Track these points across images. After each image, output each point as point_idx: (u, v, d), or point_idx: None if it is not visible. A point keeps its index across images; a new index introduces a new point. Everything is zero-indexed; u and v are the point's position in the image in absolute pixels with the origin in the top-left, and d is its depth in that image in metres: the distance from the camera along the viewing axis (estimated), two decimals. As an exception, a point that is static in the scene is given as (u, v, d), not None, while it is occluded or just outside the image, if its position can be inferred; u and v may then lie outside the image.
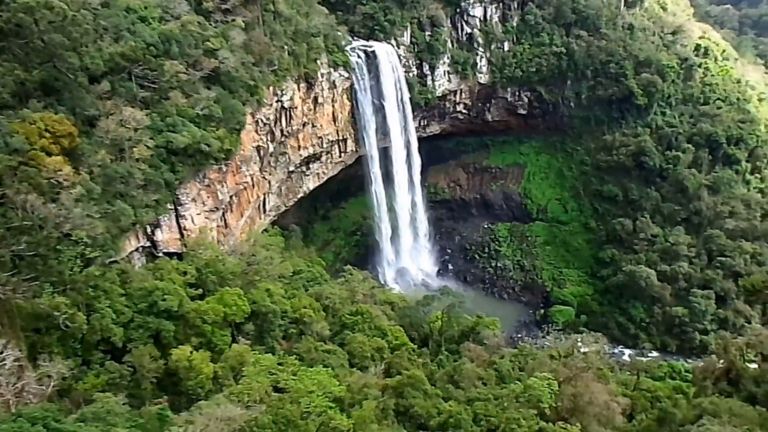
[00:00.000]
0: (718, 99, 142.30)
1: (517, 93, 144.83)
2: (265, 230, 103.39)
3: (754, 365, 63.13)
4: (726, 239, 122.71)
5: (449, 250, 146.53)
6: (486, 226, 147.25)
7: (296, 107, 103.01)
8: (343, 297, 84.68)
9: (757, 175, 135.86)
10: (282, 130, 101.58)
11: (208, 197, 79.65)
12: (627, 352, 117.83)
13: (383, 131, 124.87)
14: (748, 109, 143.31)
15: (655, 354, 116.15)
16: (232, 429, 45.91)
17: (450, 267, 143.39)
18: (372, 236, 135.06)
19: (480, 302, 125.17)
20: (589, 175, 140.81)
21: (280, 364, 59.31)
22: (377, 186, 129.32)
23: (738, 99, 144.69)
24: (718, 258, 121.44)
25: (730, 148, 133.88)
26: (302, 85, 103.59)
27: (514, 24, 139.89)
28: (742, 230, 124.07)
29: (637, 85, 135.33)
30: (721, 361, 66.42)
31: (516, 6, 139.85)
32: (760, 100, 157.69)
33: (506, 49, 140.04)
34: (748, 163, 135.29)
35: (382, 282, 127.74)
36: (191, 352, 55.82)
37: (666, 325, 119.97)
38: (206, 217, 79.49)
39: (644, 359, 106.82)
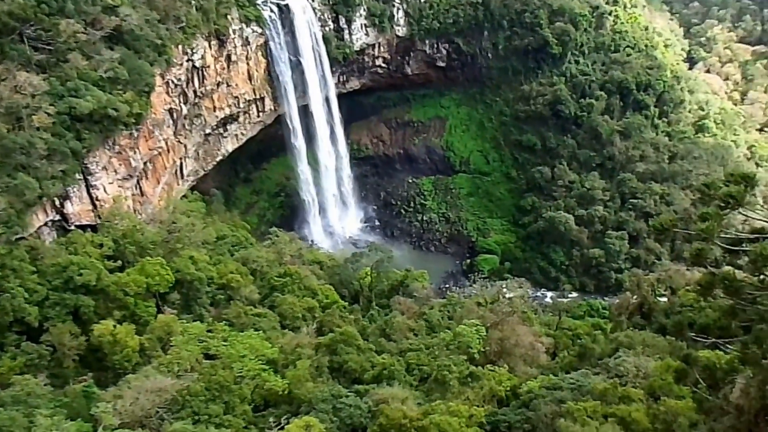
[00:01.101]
0: (628, 46, 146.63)
1: (435, 45, 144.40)
2: (185, 196, 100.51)
3: (664, 299, 66.73)
4: (637, 182, 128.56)
5: (375, 207, 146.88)
6: (410, 181, 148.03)
7: (209, 66, 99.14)
8: (271, 260, 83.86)
9: (665, 119, 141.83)
10: (195, 91, 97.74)
11: (120, 165, 76.21)
12: (549, 294, 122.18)
13: (302, 89, 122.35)
14: (656, 56, 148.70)
15: (574, 295, 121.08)
16: (164, 399, 45.15)
17: (377, 223, 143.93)
18: (296, 196, 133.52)
19: (408, 256, 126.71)
20: (508, 126, 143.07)
21: (209, 331, 58.45)
22: (299, 145, 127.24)
23: (646, 46, 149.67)
24: (630, 200, 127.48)
25: (640, 94, 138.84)
26: (213, 42, 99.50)
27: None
28: (651, 173, 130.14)
29: (552, 34, 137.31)
30: (635, 297, 69.97)
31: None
32: (666, 46, 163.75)
33: (422, 0, 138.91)
34: (656, 108, 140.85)
35: (310, 242, 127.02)
36: (114, 326, 54.09)
37: (584, 267, 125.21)
38: (120, 186, 76.19)
39: (565, 300, 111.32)
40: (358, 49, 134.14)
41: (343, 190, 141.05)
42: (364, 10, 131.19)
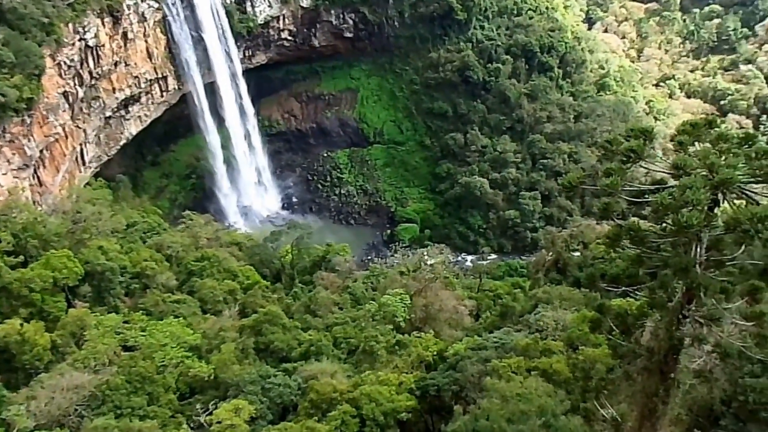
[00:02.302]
0: (530, 9, 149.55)
1: (341, 15, 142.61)
2: (88, 184, 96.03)
3: (577, 253, 69.47)
4: (546, 142, 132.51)
5: (291, 183, 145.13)
6: (326, 155, 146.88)
7: (103, 45, 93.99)
8: (186, 244, 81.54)
9: (568, 80, 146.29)
10: (91, 72, 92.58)
11: (14, 154, 71.79)
12: (469, 258, 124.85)
13: (206, 65, 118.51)
14: (556, 18, 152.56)
15: (494, 256, 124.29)
16: (83, 396, 43.43)
17: (294, 199, 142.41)
18: (209, 177, 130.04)
19: (328, 231, 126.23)
20: (419, 94, 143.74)
21: (126, 322, 56.55)
22: (207, 124, 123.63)
23: (547, 8, 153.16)
24: (541, 161, 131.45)
25: (544, 56, 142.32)
26: (107, 19, 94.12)
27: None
28: (559, 133, 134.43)
29: (456, 0, 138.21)
30: (550, 253, 72.60)
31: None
32: (565, 8, 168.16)
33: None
34: (559, 70, 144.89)
35: (226, 223, 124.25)
36: (21, 325, 51.25)
37: (501, 229, 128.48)
38: (15, 177, 71.92)
39: (485, 262, 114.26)
40: (262, 22, 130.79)
41: (256, 168, 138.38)
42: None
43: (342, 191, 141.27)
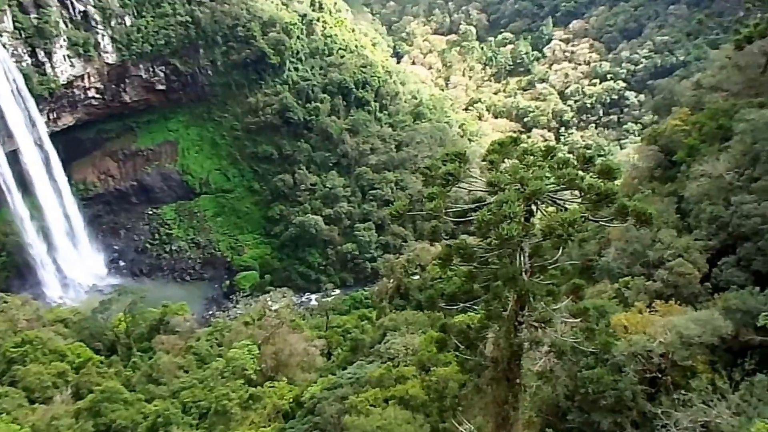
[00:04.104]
0: (340, 48, 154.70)
1: (151, 69, 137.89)
2: None
3: (416, 277, 71.73)
4: (373, 173, 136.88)
5: (117, 247, 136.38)
6: (151, 212, 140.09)
7: None
8: (2, 330, 73.26)
9: (385, 112, 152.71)
10: None
11: None
12: (313, 296, 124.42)
13: (5, 133, 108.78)
14: (366, 55, 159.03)
15: (337, 291, 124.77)
16: None
17: (122, 264, 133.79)
18: (21, 253, 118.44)
19: (163, 291, 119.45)
20: (242, 140, 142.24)
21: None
22: (13, 196, 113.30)
23: (356, 46, 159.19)
24: (370, 191, 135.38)
25: (359, 91, 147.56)
26: None
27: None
28: (383, 163, 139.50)
29: (267, 45, 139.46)
30: (391, 280, 74.32)
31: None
32: (373, 44, 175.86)
33: (129, 24, 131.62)
34: (376, 103, 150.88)
35: (48, 300, 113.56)
36: None
37: (341, 263, 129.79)
38: None
39: (329, 299, 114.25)
40: (65, 82, 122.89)
41: (75, 235, 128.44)
42: (64, 40, 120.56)
43: (173, 248, 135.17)
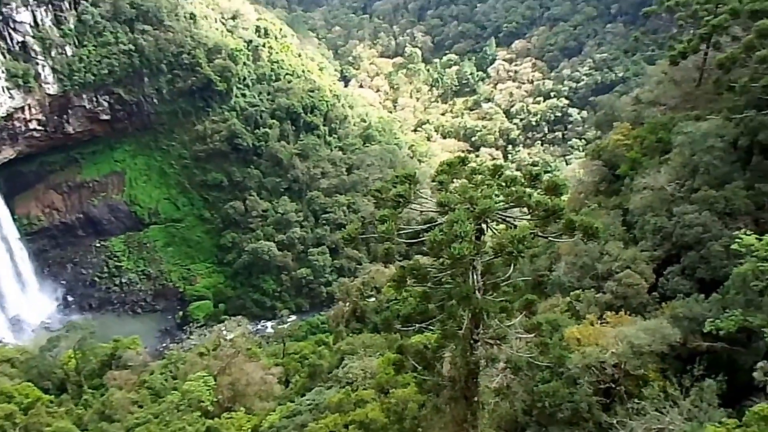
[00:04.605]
0: (287, 74, 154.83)
1: (95, 98, 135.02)
2: None
3: (372, 299, 71.63)
4: (324, 197, 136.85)
5: (64, 282, 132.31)
6: (98, 245, 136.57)
7: None
8: (-57, 373, 70.17)
9: (335, 135, 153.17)
10: None
11: None
12: (269, 324, 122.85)
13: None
14: (314, 79, 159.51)
15: (293, 317, 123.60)
16: None
17: (70, 299, 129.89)
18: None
19: (114, 325, 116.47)
20: (191, 168, 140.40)
21: None
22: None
23: (303, 71, 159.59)
24: (322, 215, 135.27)
25: (308, 116, 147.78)
26: None
27: (72, 26, 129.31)
28: (335, 186, 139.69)
29: (213, 72, 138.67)
30: (347, 304, 74.06)
31: (68, 6, 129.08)
32: (321, 69, 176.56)
33: (70, 54, 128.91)
34: (325, 127, 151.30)
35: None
36: None
37: (296, 289, 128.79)
38: None
39: (285, 325, 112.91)
40: (4, 114, 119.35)
41: (19, 272, 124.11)
42: (3, 71, 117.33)
43: (123, 280, 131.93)
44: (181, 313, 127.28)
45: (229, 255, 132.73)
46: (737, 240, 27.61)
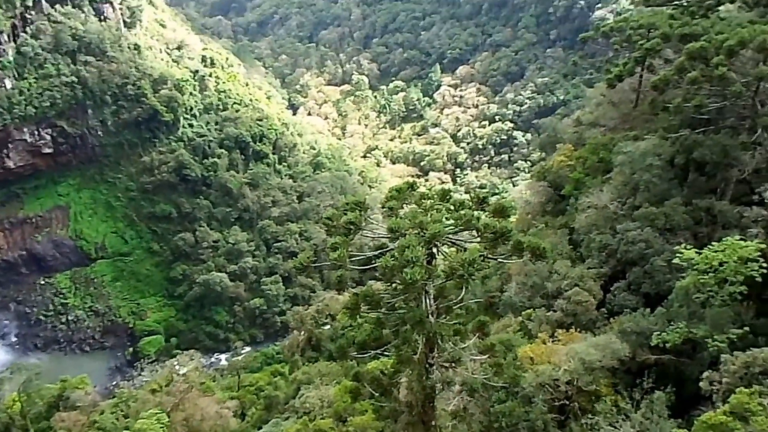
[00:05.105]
0: (235, 103, 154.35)
1: (36, 132, 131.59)
2: None
3: (327, 327, 71.16)
4: (276, 226, 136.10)
5: (6, 321, 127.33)
6: (43, 282, 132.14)
7: None
8: None
9: (285, 164, 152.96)
10: None
11: None
12: (223, 356, 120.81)
13: None
14: (262, 108, 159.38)
15: (248, 349, 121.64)
16: None
17: (14, 339, 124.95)
18: None
19: (61, 364, 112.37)
20: (138, 200, 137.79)
21: None
22: None
23: (251, 100, 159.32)
24: (274, 244, 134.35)
25: (257, 144, 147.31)
26: None
27: (11, 58, 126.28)
28: (286, 215, 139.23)
29: (159, 102, 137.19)
30: (302, 332, 73.37)
31: (7, 39, 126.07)
32: (268, 97, 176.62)
33: (9, 86, 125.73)
34: (274, 155, 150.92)
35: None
36: None
37: (249, 319, 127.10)
38: None
39: (240, 357, 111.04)
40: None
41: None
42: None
43: (69, 318, 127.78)
44: (131, 349, 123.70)
45: (179, 288, 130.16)
46: (678, 255, 28.69)
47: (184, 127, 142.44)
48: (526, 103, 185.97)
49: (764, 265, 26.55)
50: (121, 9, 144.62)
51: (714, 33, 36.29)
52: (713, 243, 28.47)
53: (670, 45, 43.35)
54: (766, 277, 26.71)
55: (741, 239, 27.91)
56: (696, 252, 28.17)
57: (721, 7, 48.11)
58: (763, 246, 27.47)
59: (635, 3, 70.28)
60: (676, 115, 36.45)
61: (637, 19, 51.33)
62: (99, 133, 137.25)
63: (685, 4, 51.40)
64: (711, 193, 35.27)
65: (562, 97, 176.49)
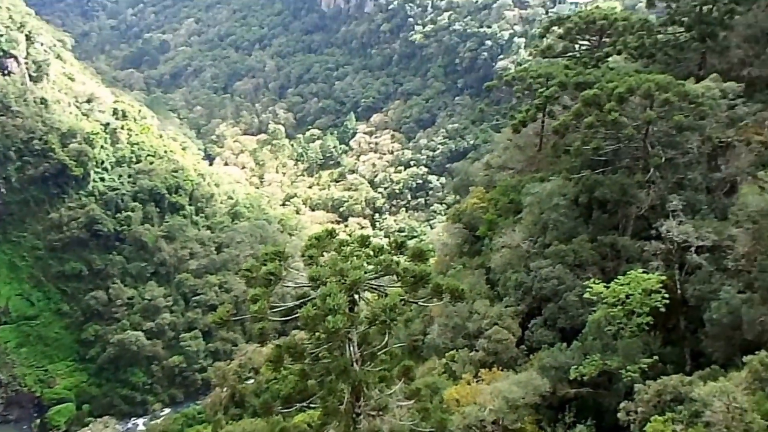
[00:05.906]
0: (149, 155, 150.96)
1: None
2: None
3: (250, 381, 69.27)
4: (195, 279, 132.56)
5: None
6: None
7: None
8: None
9: (202, 215, 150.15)
10: None
11: None
12: (140, 421, 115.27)
13: None
14: (177, 159, 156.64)
15: (167, 410, 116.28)
16: None
17: None
18: None
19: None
20: (46, 259, 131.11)
21: None
22: None
23: (165, 152, 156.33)
24: (193, 298, 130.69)
25: (172, 196, 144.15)
26: None
27: None
28: (204, 267, 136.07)
29: (68, 156, 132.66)
30: (224, 389, 70.95)
31: None
32: (183, 148, 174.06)
33: None
34: (191, 207, 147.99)
35: None
36: None
37: (168, 379, 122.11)
38: None
39: (159, 420, 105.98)
40: None
41: None
42: None
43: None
44: (38, 420, 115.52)
45: (92, 350, 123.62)
46: (588, 289, 30.06)
47: (95, 181, 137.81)
48: (438, 148, 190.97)
49: (666, 296, 28.21)
50: (26, 63, 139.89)
51: (605, 81, 39.06)
52: (619, 277, 30.05)
53: (567, 92, 46.28)
54: (669, 307, 28.36)
55: (644, 272, 29.59)
56: (604, 286, 29.62)
57: (609, 59, 52.03)
58: (664, 278, 29.23)
59: (533, 54, 74.60)
60: (577, 157, 38.61)
61: (535, 69, 54.59)
62: (2, 190, 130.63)
63: (578, 55, 55.24)
64: (614, 229, 37.29)
65: (472, 142, 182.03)
